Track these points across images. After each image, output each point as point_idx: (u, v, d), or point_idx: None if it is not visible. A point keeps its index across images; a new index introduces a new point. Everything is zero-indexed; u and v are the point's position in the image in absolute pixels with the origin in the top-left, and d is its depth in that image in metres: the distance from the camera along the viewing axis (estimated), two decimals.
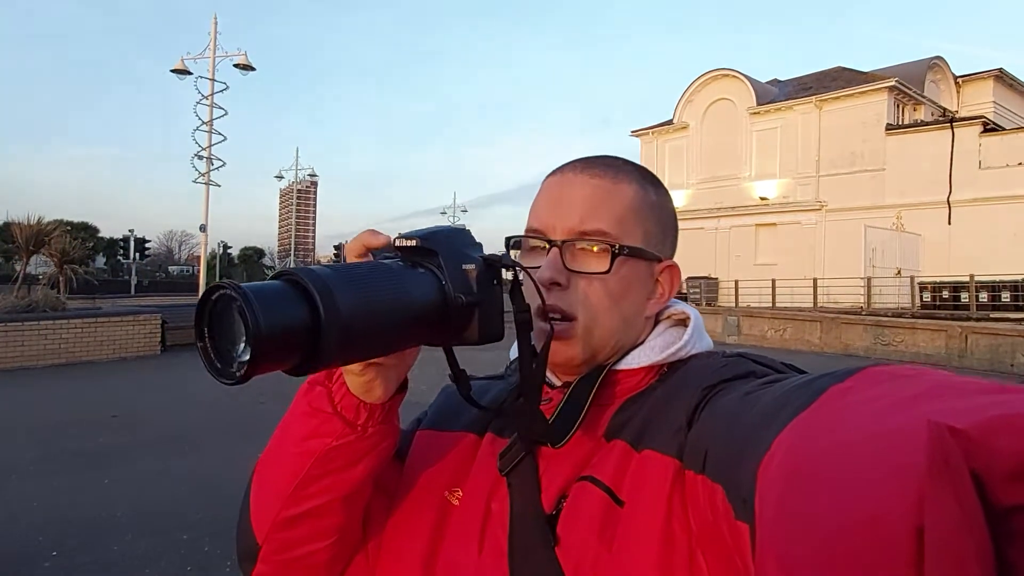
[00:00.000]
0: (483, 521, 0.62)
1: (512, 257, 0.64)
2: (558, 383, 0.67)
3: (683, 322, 0.69)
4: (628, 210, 0.64)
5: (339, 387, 0.59)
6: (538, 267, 0.63)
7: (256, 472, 0.67)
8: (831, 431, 0.37)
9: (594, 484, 0.57)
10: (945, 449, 0.29)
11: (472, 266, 0.55)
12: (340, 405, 0.59)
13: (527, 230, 0.66)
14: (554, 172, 0.68)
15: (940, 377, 0.38)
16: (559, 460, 0.61)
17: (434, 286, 0.53)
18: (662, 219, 0.67)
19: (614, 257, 0.62)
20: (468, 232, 0.58)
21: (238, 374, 0.45)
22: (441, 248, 0.55)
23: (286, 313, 0.44)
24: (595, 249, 0.63)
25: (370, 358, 0.54)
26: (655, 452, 0.55)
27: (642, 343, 0.65)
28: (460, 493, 0.66)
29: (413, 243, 0.55)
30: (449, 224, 0.59)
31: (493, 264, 0.57)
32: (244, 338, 0.44)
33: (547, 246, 0.64)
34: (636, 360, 0.64)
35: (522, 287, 0.60)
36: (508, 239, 0.69)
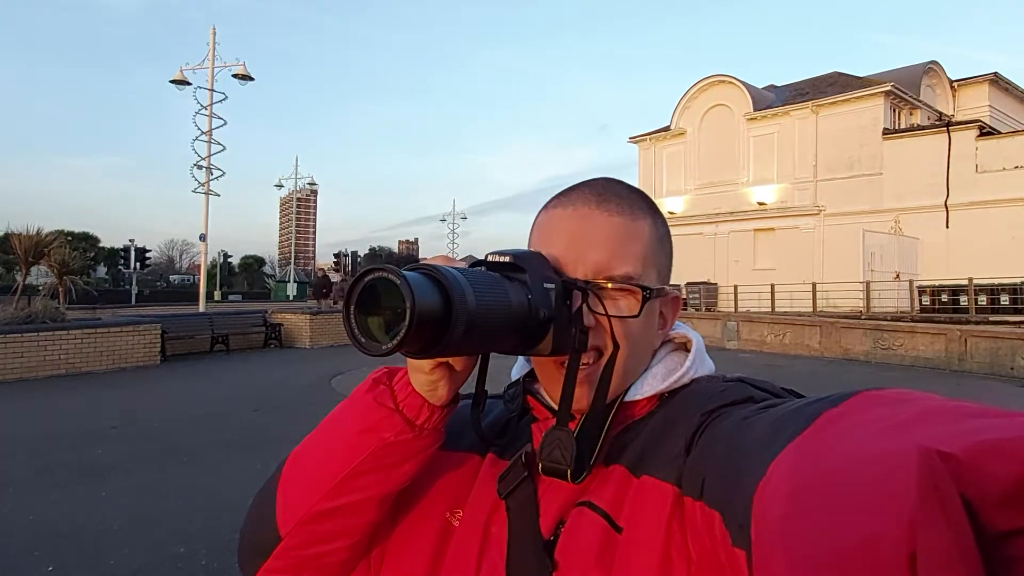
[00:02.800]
0: (481, 544, 0.62)
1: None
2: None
3: (684, 346, 0.68)
4: (647, 250, 0.63)
5: (402, 386, 0.61)
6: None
7: (291, 463, 0.68)
8: (824, 457, 0.37)
9: (592, 510, 0.57)
10: (935, 474, 0.30)
11: (552, 285, 0.59)
12: (403, 404, 0.61)
13: None
14: (564, 201, 0.64)
15: (931, 402, 0.38)
16: (557, 484, 0.60)
17: (524, 298, 0.57)
18: (668, 251, 0.67)
19: (645, 301, 0.60)
20: (545, 258, 0.61)
21: (387, 347, 0.50)
22: (529, 266, 0.59)
23: (431, 300, 0.49)
24: (620, 292, 0.61)
25: (477, 353, 0.58)
26: (654, 478, 0.55)
27: (646, 370, 0.65)
28: (461, 514, 0.66)
29: (506, 259, 0.59)
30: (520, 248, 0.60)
31: (570, 286, 0.60)
32: (401, 317, 0.48)
33: (569, 286, 0.61)
34: (641, 391, 0.63)
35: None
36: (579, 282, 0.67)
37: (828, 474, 0.35)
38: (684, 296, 19.41)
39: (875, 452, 0.34)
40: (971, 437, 0.31)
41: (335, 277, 24.75)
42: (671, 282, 0.69)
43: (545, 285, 0.58)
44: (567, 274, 0.61)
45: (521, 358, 0.73)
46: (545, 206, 0.66)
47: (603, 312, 0.60)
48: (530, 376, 0.70)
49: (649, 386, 0.63)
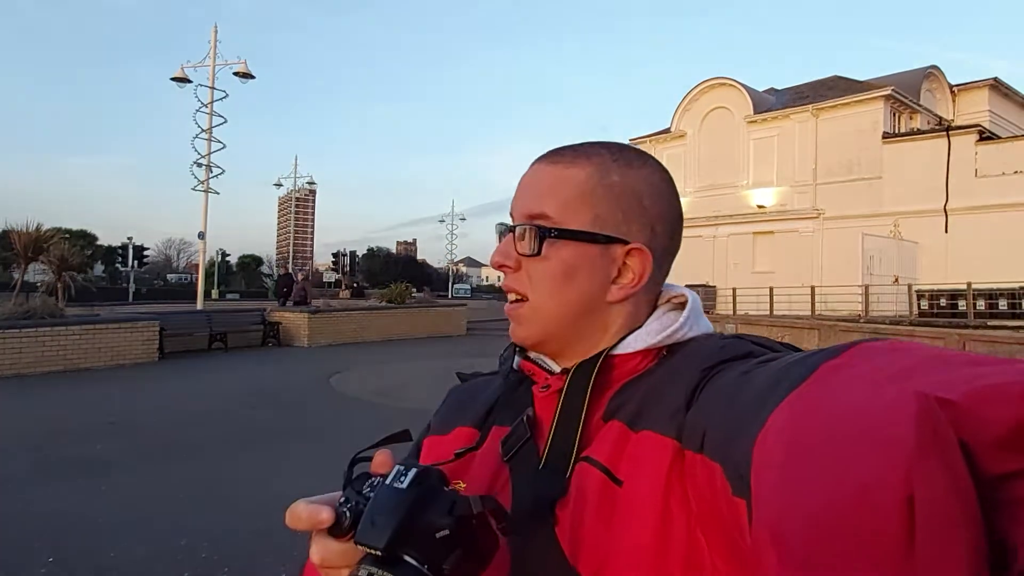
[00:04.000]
0: None
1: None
2: (557, 368, 0.67)
3: (682, 305, 0.68)
4: (576, 194, 0.63)
5: None
6: None
7: None
8: (823, 406, 0.37)
9: (591, 464, 0.57)
10: (933, 420, 0.30)
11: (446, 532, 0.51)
12: None
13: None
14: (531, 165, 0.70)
15: (931, 350, 0.39)
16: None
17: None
18: (622, 202, 0.64)
19: (541, 240, 0.63)
20: (426, 490, 0.52)
21: None
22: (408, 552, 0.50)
23: None
24: (528, 232, 0.64)
25: None
26: (653, 432, 0.55)
27: (639, 327, 0.65)
28: (462, 484, 0.66)
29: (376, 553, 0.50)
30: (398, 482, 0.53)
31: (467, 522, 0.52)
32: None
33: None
34: (632, 344, 0.63)
35: None
36: (497, 225, 0.73)
37: (826, 423, 0.36)
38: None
39: (873, 400, 0.34)
40: (969, 383, 0.32)
41: (299, 276, 22.75)
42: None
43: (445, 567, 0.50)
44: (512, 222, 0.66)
45: None
46: None
47: (515, 251, 0.64)
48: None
49: (642, 341, 0.63)
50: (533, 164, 0.67)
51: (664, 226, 0.66)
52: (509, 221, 0.68)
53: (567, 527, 0.56)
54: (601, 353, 0.63)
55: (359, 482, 0.54)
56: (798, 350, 0.55)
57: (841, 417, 0.35)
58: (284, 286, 20.22)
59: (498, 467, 0.64)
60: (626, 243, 0.64)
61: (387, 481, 0.52)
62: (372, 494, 0.52)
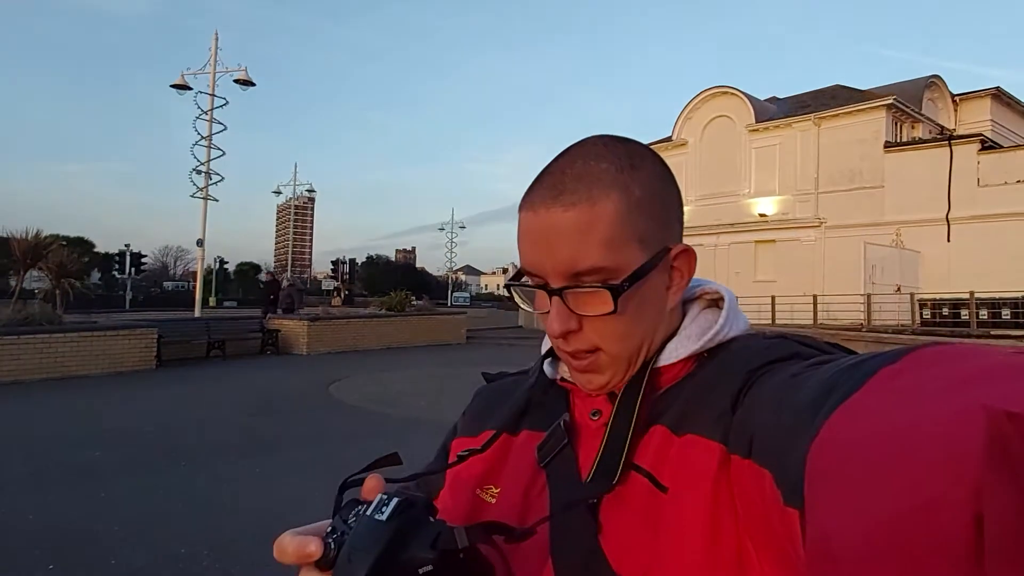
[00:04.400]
0: (521, 514, 0.61)
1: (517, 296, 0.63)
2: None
3: (716, 302, 0.66)
4: (615, 229, 0.57)
5: None
6: (545, 312, 0.60)
7: None
8: (883, 415, 0.35)
9: (635, 471, 0.56)
10: (1004, 436, 0.29)
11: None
12: None
13: (523, 267, 0.61)
14: (527, 202, 0.60)
15: (996, 357, 0.36)
16: (596, 448, 0.59)
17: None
18: (654, 211, 0.59)
19: (617, 295, 0.56)
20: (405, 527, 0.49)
21: None
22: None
23: None
24: (592, 291, 0.57)
25: None
26: (698, 436, 0.53)
27: (676, 332, 0.62)
28: (495, 490, 0.65)
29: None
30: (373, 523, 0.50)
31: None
32: None
33: (547, 292, 0.59)
34: (675, 353, 0.61)
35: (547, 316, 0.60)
36: (507, 285, 0.65)
37: (886, 434, 0.34)
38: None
39: (938, 411, 0.32)
40: None
41: (285, 282, 20.71)
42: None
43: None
44: (545, 280, 0.59)
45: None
46: (521, 202, 0.62)
47: (582, 313, 0.58)
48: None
49: (684, 347, 0.61)
50: (537, 211, 0.58)
51: (681, 212, 0.64)
52: (513, 265, 0.61)
53: (612, 535, 0.55)
54: (647, 367, 0.61)
55: (348, 509, 0.52)
56: (847, 351, 0.54)
57: (902, 428, 0.33)
58: (270, 293, 19.37)
59: (534, 473, 0.63)
60: (669, 249, 0.60)
61: (368, 512, 0.50)
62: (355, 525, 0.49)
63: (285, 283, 19.83)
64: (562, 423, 0.63)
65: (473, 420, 0.75)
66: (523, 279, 0.62)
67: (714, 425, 0.53)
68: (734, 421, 0.51)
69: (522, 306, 0.64)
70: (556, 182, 0.59)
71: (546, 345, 0.70)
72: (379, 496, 0.51)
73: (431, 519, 0.51)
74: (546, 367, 0.70)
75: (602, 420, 0.62)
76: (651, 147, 0.62)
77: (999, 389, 0.32)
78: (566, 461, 0.61)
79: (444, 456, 0.75)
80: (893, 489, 0.31)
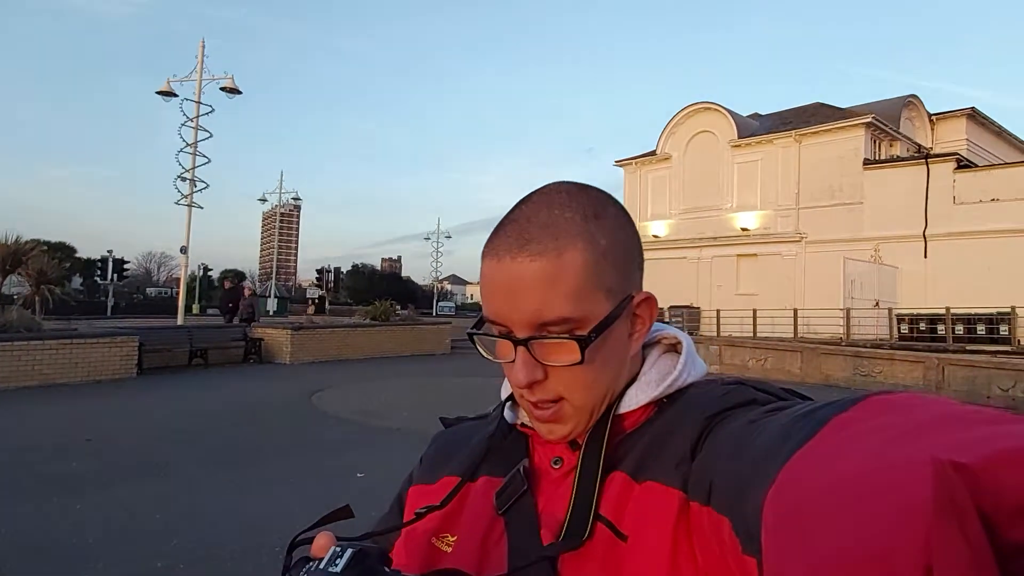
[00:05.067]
0: (479, 563, 0.60)
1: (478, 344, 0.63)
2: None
3: (674, 347, 0.66)
4: (582, 280, 0.57)
5: None
6: (510, 361, 0.60)
7: None
8: (834, 464, 0.36)
9: (596, 519, 0.56)
10: (950, 487, 0.29)
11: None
12: None
13: (487, 316, 0.61)
14: (489, 252, 0.60)
15: (944, 407, 0.37)
16: (558, 496, 0.59)
17: None
18: (618, 260, 0.60)
19: (584, 346, 0.57)
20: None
21: None
22: None
23: None
24: (558, 342, 0.58)
25: None
26: (657, 483, 0.54)
27: (636, 377, 0.63)
28: (452, 538, 0.64)
29: None
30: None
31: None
32: None
33: (511, 342, 0.59)
34: (635, 400, 0.61)
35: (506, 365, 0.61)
36: (469, 334, 0.65)
37: (838, 483, 0.34)
38: (668, 320, 19.52)
39: (887, 462, 0.33)
40: (986, 446, 0.31)
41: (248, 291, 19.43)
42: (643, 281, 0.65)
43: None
44: (510, 330, 0.59)
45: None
46: (484, 248, 0.62)
47: (548, 363, 0.58)
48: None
49: (644, 394, 0.61)
50: (501, 260, 0.58)
51: (642, 259, 0.64)
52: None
53: None
54: (608, 415, 0.61)
55: (298, 567, 0.51)
56: (804, 397, 0.54)
57: (853, 478, 0.34)
58: (229, 301, 18.09)
59: (491, 520, 0.62)
60: (632, 296, 0.61)
61: (321, 566, 0.50)
62: None
63: (247, 292, 18.87)
64: (521, 469, 0.63)
65: (430, 467, 0.74)
66: (485, 327, 0.62)
67: (673, 472, 0.53)
68: (693, 468, 0.52)
69: (484, 355, 0.63)
70: (521, 231, 0.58)
71: (506, 391, 0.70)
72: (332, 549, 0.51)
73: (386, 569, 0.50)
74: (506, 412, 0.70)
75: (564, 469, 0.62)
76: (609, 193, 0.64)
77: (946, 438, 0.33)
78: (525, 508, 0.60)
79: (400, 505, 0.74)
80: (846, 540, 0.31)
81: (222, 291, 20.05)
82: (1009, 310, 16.68)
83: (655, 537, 0.52)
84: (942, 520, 0.28)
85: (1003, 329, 16.87)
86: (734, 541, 0.43)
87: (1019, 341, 16.39)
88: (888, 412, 0.39)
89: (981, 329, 17.17)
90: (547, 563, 0.56)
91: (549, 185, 0.63)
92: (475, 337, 0.63)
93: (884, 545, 0.30)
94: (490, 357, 0.62)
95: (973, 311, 17.29)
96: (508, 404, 0.70)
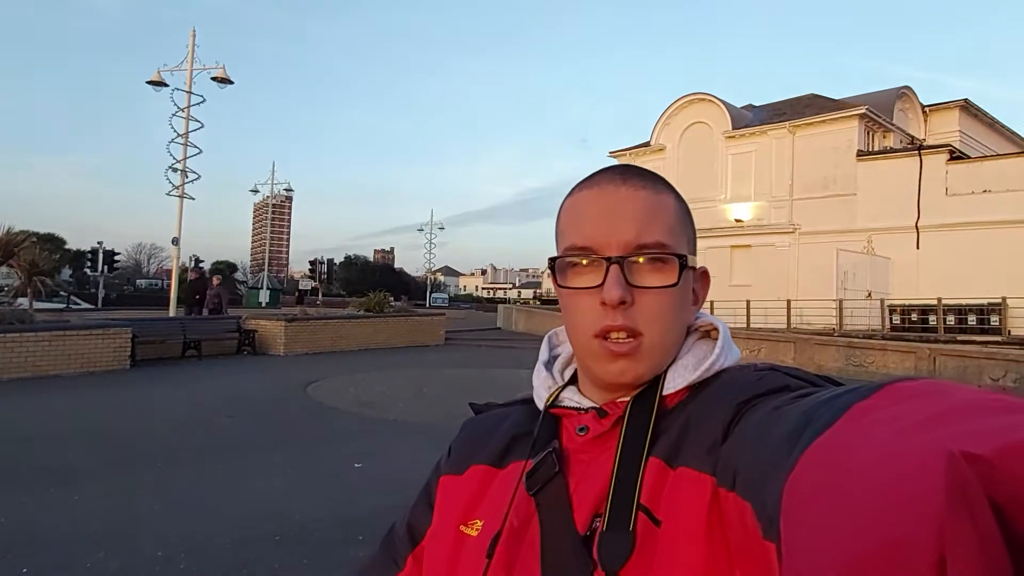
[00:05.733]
0: (509, 546, 0.61)
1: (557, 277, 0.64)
2: (587, 404, 0.65)
3: (709, 334, 0.68)
4: (676, 220, 0.63)
5: None
6: (593, 287, 0.61)
7: None
8: (852, 452, 0.37)
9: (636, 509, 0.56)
10: (962, 478, 0.29)
11: None
12: None
13: (569, 248, 0.63)
14: (587, 185, 0.65)
15: (963, 395, 0.38)
16: (590, 478, 0.60)
17: None
18: (692, 226, 0.68)
19: (682, 268, 0.61)
20: None
21: None
22: None
23: None
24: (656, 263, 0.61)
25: None
26: (691, 469, 0.54)
27: (675, 360, 0.64)
28: (479, 523, 0.65)
29: None
30: None
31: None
32: None
33: (602, 264, 0.61)
34: (673, 384, 0.62)
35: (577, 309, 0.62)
36: (552, 260, 0.65)
37: (855, 472, 0.35)
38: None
39: (903, 449, 0.33)
40: (1002, 437, 0.31)
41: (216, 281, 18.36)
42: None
43: None
44: (600, 252, 0.61)
45: (541, 359, 0.74)
46: (570, 192, 0.66)
47: (641, 285, 0.60)
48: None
49: (682, 378, 0.62)
50: (603, 188, 0.63)
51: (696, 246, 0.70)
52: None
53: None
54: (655, 395, 0.61)
55: None
56: (835, 383, 0.54)
57: (869, 466, 0.34)
58: (196, 292, 17.31)
59: (522, 501, 0.62)
60: (696, 267, 0.67)
61: None
62: None
63: (215, 282, 18.04)
64: (553, 451, 0.63)
65: (459, 456, 0.73)
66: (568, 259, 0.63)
67: (706, 458, 0.54)
68: (721, 453, 0.52)
69: (559, 284, 0.64)
70: (620, 170, 0.64)
71: (538, 375, 0.71)
72: None
73: None
74: (536, 397, 0.71)
75: (589, 436, 0.62)
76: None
77: (962, 428, 0.33)
78: (557, 490, 0.61)
79: (428, 495, 0.74)
80: (860, 528, 0.32)
81: (188, 282, 18.98)
82: (1000, 301, 16.82)
83: (689, 522, 0.52)
84: (954, 512, 0.29)
85: (994, 320, 17.02)
86: (755, 526, 0.44)
87: (1009, 331, 16.53)
88: (907, 400, 0.39)
89: (972, 320, 17.32)
90: (583, 548, 0.56)
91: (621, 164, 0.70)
92: (557, 262, 0.64)
93: (898, 535, 0.30)
94: (567, 285, 0.63)
95: (964, 302, 17.43)
96: (536, 388, 0.71)
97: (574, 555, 0.56)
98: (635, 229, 0.61)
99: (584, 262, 0.62)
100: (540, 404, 0.69)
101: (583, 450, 0.62)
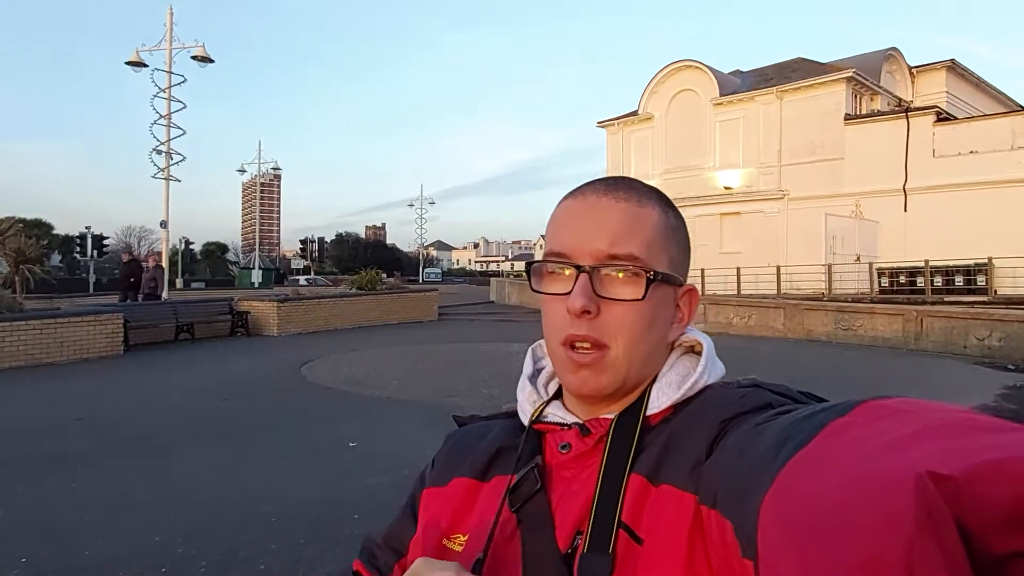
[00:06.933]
0: (490, 561, 0.60)
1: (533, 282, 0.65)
2: (570, 420, 0.65)
3: (693, 349, 0.68)
4: (655, 234, 0.62)
5: None
6: (563, 293, 0.61)
7: None
8: (826, 471, 0.38)
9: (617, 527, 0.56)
10: (929, 501, 0.30)
11: None
12: None
13: (548, 254, 0.63)
14: (572, 195, 0.65)
15: (936, 414, 0.39)
16: (572, 495, 0.60)
17: None
18: (682, 243, 0.66)
19: (649, 283, 0.60)
20: None
21: None
22: None
23: None
24: (624, 275, 0.61)
25: None
26: (673, 487, 0.54)
27: (657, 377, 0.64)
28: (463, 538, 0.65)
29: None
30: None
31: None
32: None
33: (574, 272, 0.61)
34: (659, 403, 0.62)
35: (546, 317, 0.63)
36: (528, 264, 0.66)
37: (828, 491, 0.36)
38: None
39: (874, 473, 0.34)
40: (971, 457, 0.31)
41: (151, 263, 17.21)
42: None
43: None
44: (574, 260, 0.61)
45: (525, 373, 0.74)
46: (560, 201, 0.67)
47: (608, 296, 0.60)
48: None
49: (666, 396, 0.62)
50: (587, 198, 0.63)
51: (689, 264, 0.69)
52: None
53: None
54: (640, 413, 0.61)
55: None
56: (818, 399, 0.55)
57: (843, 486, 0.35)
58: (130, 275, 16.19)
59: (503, 518, 0.62)
60: (682, 284, 0.66)
61: None
62: None
63: (151, 263, 17.00)
64: (535, 466, 0.62)
65: (442, 468, 0.73)
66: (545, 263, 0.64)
67: (688, 476, 0.54)
68: (703, 471, 0.52)
69: (534, 288, 0.64)
70: (609, 183, 0.64)
71: (523, 389, 0.71)
72: None
73: None
74: (520, 412, 0.71)
75: (572, 455, 0.62)
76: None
77: (933, 447, 0.34)
78: (539, 507, 0.60)
79: (412, 507, 0.74)
80: (834, 548, 0.33)
81: (121, 265, 17.90)
82: (986, 261, 16.94)
83: (671, 541, 0.52)
84: (921, 533, 0.29)
85: (980, 280, 17.16)
86: (735, 543, 0.44)
87: (995, 291, 16.70)
88: (882, 418, 0.40)
89: (959, 280, 17.46)
90: (564, 567, 0.56)
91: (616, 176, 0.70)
92: (532, 267, 0.65)
93: (869, 554, 0.31)
94: (541, 290, 0.64)
95: (951, 263, 17.55)
96: (521, 403, 0.71)
97: (556, 573, 0.56)
98: (609, 239, 0.61)
99: (558, 269, 0.63)
100: (525, 419, 0.69)
101: (566, 467, 0.62)
